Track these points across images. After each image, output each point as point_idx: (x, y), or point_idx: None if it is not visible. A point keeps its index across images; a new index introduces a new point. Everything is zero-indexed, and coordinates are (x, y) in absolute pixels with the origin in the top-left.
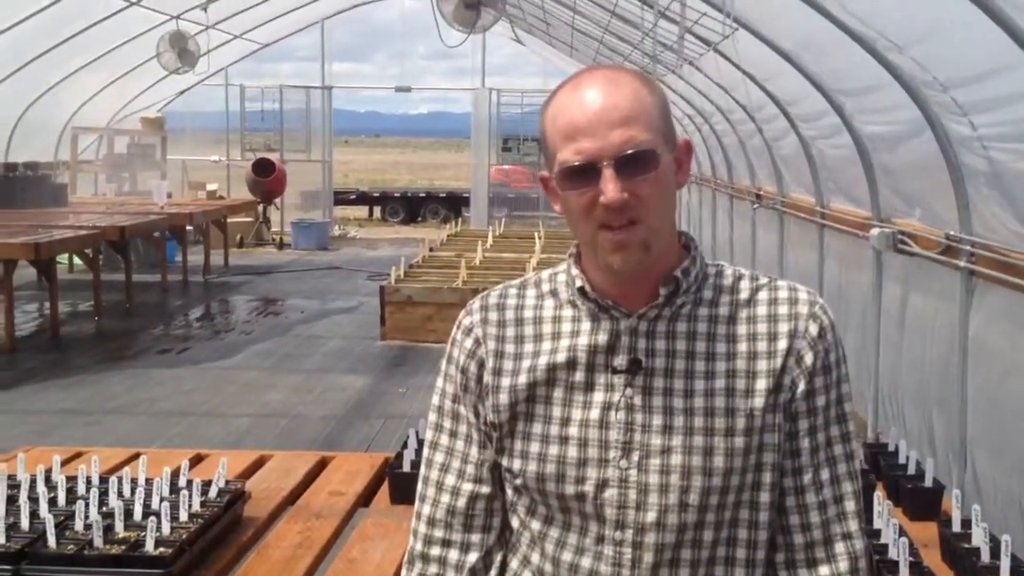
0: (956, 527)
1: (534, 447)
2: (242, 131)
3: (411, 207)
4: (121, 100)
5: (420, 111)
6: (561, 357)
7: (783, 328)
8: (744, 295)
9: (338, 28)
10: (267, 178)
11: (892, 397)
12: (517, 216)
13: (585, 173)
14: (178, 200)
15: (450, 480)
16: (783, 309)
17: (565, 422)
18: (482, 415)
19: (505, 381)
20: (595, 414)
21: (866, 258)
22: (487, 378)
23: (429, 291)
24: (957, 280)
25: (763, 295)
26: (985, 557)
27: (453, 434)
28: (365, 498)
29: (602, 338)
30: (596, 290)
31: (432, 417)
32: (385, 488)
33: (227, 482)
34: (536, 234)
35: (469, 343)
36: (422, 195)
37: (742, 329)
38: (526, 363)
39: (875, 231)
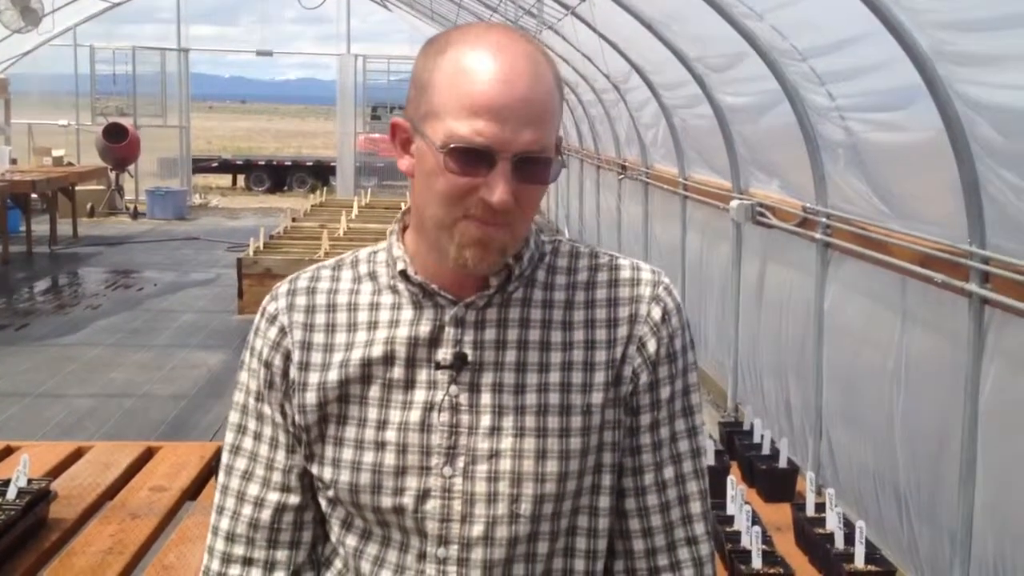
0: (810, 511)
1: (347, 454)
2: (92, 95)
3: (277, 176)
4: None
5: (288, 77)
6: (377, 351)
7: (623, 313)
8: (582, 276)
9: None
10: (119, 144)
11: (751, 369)
12: (386, 185)
13: (479, 159)
14: (22, 167)
15: (253, 490)
16: (624, 292)
17: (381, 425)
18: (289, 415)
19: (313, 377)
20: (415, 416)
21: (726, 230)
22: (293, 373)
23: (289, 263)
24: (813, 252)
25: (602, 276)
26: (839, 543)
27: (257, 437)
28: (192, 493)
29: (424, 329)
30: (421, 274)
31: (234, 417)
32: (213, 483)
33: (30, 480)
34: (403, 204)
35: (273, 332)
36: (288, 163)
37: (579, 315)
38: (337, 357)
39: (734, 203)
